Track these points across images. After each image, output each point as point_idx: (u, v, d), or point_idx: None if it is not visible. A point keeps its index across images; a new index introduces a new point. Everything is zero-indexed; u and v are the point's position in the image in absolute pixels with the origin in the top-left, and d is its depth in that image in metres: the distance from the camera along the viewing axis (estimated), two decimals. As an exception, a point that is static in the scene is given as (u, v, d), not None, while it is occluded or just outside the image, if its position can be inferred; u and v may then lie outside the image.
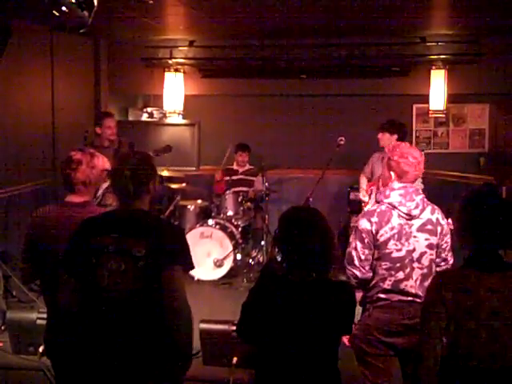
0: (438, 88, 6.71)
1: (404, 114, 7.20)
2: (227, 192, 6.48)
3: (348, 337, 3.10)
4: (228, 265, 5.94)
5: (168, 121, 7.51)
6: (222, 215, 6.33)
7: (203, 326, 3.73)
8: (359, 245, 2.99)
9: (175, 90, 7.04)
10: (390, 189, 3.03)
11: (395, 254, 2.95)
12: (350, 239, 3.06)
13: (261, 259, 6.21)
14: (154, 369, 2.33)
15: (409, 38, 6.65)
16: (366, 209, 5.65)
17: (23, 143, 5.72)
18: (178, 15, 5.73)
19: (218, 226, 6.06)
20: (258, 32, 6.42)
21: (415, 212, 2.96)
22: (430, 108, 6.83)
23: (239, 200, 6.37)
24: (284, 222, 2.42)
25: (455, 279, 2.13)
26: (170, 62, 7.03)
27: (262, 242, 6.18)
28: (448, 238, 3.04)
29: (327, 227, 2.38)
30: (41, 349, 3.79)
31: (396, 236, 2.94)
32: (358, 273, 2.99)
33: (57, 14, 3.12)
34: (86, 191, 2.78)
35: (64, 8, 3.09)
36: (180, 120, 7.49)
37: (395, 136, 5.46)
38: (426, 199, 3.05)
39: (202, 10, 5.28)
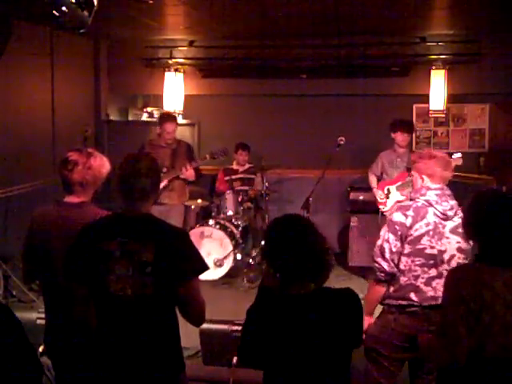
0: (437, 88, 6.71)
1: (404, 114, 7.19)
2: (227, 192, 6.48)
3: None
4: (228, 265, 5.94)
5: (168, 121, 7.51)
6: (222, 215, 6.33)
7: (203, 325, 3.67)
8: (392, 237, 2.93)
9: (175, 90, 7.04)
10: (425, 188, 3.00)
11: (429, 251, 2.91)
12: (382, 232, 3.00)
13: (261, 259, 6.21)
14: (156, 373, 2.32)
15: (409, 38, 6.65)
16: (383, 209, 5.67)
17: (23, 143, 5.71)
18: (178, 15, 5.73)
19: (218, 226, 6.06)
20: (258, 32, 6.42)
21: (450, 213, 2.93)
22: (430, 108, 6.82)
23: (239, 200, 6.38)
24: (271, 235, 2.22)
25: (471, 274, 2.16)
26: (170, 62, 7.03)
27: (262, 242, 6.17)
28: None
29: (317, 233, 2.20)
30: (41, 349, 3.78)
31: (431, 233, 2.91)
32: (386, 266, 2.93)
33: (57, 14, 3.11)
34: (83, 192, 2.76)
35: (64, 8, 3.08)
36: (180, 120, 7.48)
37: (412, 135, 5.85)
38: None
39: (202, 10, 5.28)
